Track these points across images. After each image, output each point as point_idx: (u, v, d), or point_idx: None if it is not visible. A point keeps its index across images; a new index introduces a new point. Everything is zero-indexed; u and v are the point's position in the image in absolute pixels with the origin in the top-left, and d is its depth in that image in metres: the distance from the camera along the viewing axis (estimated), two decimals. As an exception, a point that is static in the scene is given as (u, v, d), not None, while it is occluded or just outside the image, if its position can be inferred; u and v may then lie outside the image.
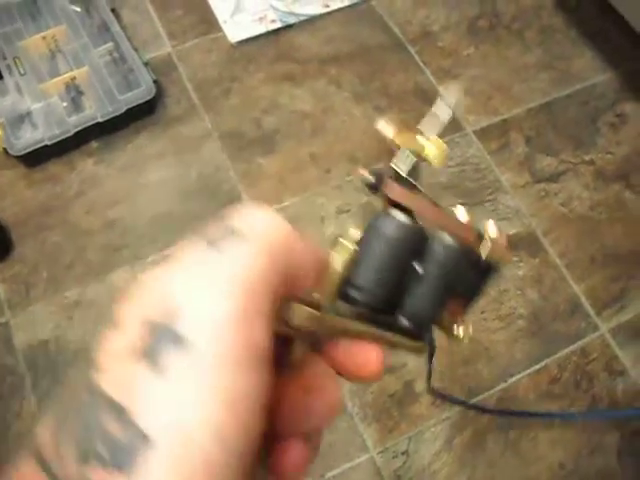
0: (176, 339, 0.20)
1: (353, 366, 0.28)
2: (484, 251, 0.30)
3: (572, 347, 1.04)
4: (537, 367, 1.03)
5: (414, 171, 0.30)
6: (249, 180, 1.15)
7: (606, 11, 1.29)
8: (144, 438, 0.19)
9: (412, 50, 1.30)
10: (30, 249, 1.09)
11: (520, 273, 1.09)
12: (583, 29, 1.33)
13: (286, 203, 1.13)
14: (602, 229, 1.14)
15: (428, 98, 1.25)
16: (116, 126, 1.17)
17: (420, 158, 0.29)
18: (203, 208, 1.12)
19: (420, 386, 1.00)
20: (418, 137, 0.29)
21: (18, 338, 1.02)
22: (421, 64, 1.28)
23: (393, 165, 0.29)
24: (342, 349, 0.29)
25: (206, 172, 1.16)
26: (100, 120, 1.14)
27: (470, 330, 0.30)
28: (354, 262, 0.28)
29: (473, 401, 0.99)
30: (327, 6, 1.33)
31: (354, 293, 0.29)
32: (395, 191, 0.28)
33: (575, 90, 1.27)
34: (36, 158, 1.14)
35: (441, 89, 0.28)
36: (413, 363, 1.00)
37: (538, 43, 1.32)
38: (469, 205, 1.12)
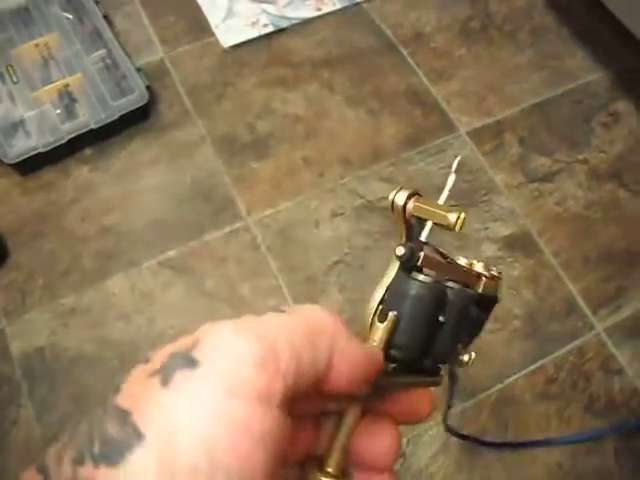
0: (190, 361, 0.22)
1: (406, 414, 0.32)
2: (480, 286, 0.35)
3: (568, 347, 1.04)
4: (533, 367, 1.03)
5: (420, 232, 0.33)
6: (243, 185, 1.15)
7: (596, 9, 1.30)
8: (139, 436, 0.20)
9: (404, 52, 1.30)
10: (26, 257, 1.09)
11: (515, 273, 1.09)
12: (574, 28, 1.33)
13: (280, 207, 1.13)
14: (597, 228, 1.14)
15: (421, 100, 1.25)
16: (110, 133, 1.17)
17: (442, 227, 0.32)
18: (197, 213, 1.12)
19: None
20: (436, 208, 0.32)
21: (14, 346, 1.02)
22: (414, 66, 1.28)
23: (423, 239, 0.32)
24: (395, 401, 0.32)
25: (200, 177, 1.16)
26: (93, 127, 1.14)
27: (473, 356, 0.34)
28: (394, 326, 0.31)
29: (470, 402, 1.00)
30: (319, 9, 1.33)
31: (395, 352, 0.31)
32: (430, 262, 0.32)
33: (568, 89, 1.27)
34: (30, 166, 1.14)
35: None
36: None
37: (530, 43, 1.32)
38: (463, 207, 1.12)
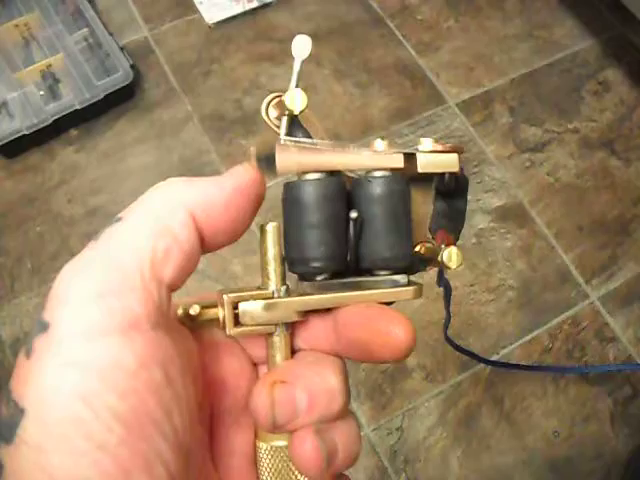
0: (42, 325, 0.22)
1: (372, 341, 0.28)
2: (417, 165, 0.28)
3: (563, 316, 1.04)
4: (529, 338, 1.02)
5: (301, 130, 0.29)
6: (231, 162, 1.13)
7: (585, -22, 1.28)
8: (21, 411, 0.22)
9: (391, 24, 1.28)
10: (13, 241, 1.07)
11: (508, 244, 1.09)
12: (563, -4, 1.32)
13: (270, 184, 1.11)
14: (589, 197, 1.13)
15: (409, 72, 1.23)
16: (95, 113, 1.15)
17: (289, 114, 0.28)
18: (186, 192, 1.11)
19: (412, 361, 0.99)
20: (282, 98, 0.28)
21: (5, 331, 1.01)
22: (401, 38, 1.27)
23: (282, 135, 0.29)
24: (352, 327, 0.28)
25: (188, 155, 1.14)
26: (78, 107, 1.12)
27: (455, 254, 0.28)
28: (286, 240, 0.28)
29: (465, 374, 0.99)
30: (304, -17, 1.31)
31: (301, 268, 0.28)
32: (281, 158, 0.28)
33: (557, 59, 1.26)
34: (15, 149, 1.12)
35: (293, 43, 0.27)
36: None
37: (518, 13, 1.30)
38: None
